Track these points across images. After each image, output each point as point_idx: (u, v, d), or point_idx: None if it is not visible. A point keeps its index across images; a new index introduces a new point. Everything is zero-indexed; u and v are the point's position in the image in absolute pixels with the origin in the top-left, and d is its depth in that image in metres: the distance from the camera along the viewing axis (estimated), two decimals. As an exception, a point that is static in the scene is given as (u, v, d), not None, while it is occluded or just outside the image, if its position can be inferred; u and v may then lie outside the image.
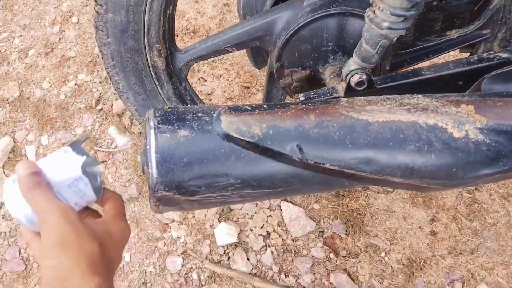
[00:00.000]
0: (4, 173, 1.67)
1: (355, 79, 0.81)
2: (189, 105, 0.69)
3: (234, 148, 0.62)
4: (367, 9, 0.75)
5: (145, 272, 1.45)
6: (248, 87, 1.80)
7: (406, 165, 0.64)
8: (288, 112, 0.64)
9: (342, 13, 0.89)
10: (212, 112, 0.65)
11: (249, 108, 0.65)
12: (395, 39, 0.74)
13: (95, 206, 0.71)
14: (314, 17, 0.90)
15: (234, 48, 1.02)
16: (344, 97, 0.84)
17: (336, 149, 0.62)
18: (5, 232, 1.55)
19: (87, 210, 0.68)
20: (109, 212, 0.64)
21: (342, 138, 0.62)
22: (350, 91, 0.83)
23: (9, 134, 1.75)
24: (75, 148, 0.62)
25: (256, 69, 1.78)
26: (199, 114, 0.64)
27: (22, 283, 1.46)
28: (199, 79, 1.84)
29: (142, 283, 1.43)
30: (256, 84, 1.81)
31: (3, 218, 1.57)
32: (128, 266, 1.47)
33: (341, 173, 0.63)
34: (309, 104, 0.66)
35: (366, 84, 0.82)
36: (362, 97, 0.69)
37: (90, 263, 0.53)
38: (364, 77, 0.81)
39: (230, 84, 1.82)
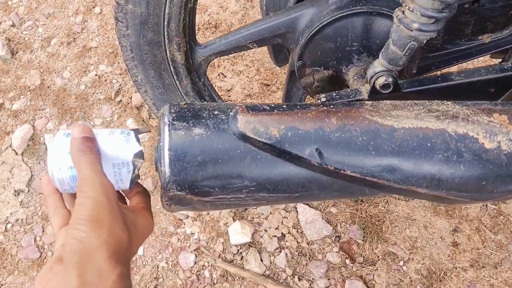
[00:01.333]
0: (23, 160, 1.68)
1: (380, 81, 0.77)
2: (205, 102, 0.67)
3: (250, 149, 0.59)
4: (396, 9, 0.71)
5: (158, 267, 1.44)
6: (268, 85, 1.77)
7: (433, 175, 0.60)
8: (308, 114, 0.61)
9: (369, 12, 0.85)
10: (228, 110, 0.62)
11: (268, 107, 0.62)
12: (424, 42, 0.70)
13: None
14: (340, 15, 0.86)
15: (255, 45, 0.99)
16: (368, 100, 0.80)
17: (359, 155, 0.59)
18: (22, 219, 1.56)
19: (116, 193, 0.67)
20: (138, 204, 0.64)
21: (365, 144, 0.59)
22: (375, 94, 0.80)
23: (29, 122, 1.76)
24: (136, 135, 0.62)
25: (277, 66, 1.75)
26: (215, 112, 0.62)
27: (37, 271, 1.47)
28: (219, 74, 1.82)
29: (154, 278, 1.42)
30: (276, 82, 1.78)
31: (20, 205, 1.58)
32: (141, 260, 1.46)
33: (362, 180, 0.60)
34: (331, 106, 0.63)
35: (391, 87, 0.78)
36: (388, 101, 0.65)
37: (116, 250, 0.51)
38: (390, 79, 0.77)
39: (250, 81, 1.79)
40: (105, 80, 1.85)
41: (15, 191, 1.61)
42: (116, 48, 1.94)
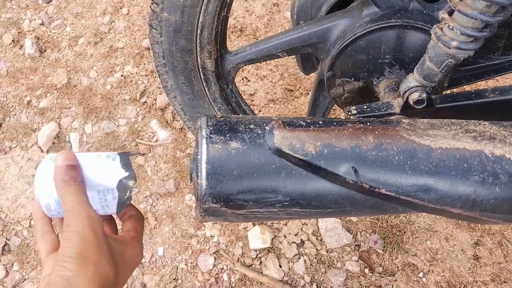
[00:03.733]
0: (48, 158, 1.71)
1: (414, 97, 0.77)
2: (240, 115, 0.67)
3: (285, 164, 0.60)
4: (435, 25, 0.70)
5: (177, 268, 1.46)
6: (292, 90, 1.77)
7: (468, 196, 0.60)
8: (345, 131, 0.61)
9: (404, 26, 0.84)
10: (264, 125, 0.62)
11: (304, 123, 0.62)
12: (462, 59, 0.70)
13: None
14: (373, 28, 0.86)
15: (285, 54, 0.99)
16: (400, 115, 0.80)
17: (394, 174, 0.59)
18: (45, 216, 1.59)
19: (104, 216, 0.66)
20: (129, 233, 0.63)
21: (402, 163, 0.59)
22: (407, 109, 0.79)
23: (55, 120, 1.79)
24: (123, 159, 0.61)
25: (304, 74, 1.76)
26: (251, 126, 0.62)
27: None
28: (242, 78, 1.83)
29: (173, 279, 1.44)
30: (300, 87, 1.77)
31: None
32: (161, 261, 1.48)
33: (397, 199, 0.60)
34: (368, 123, 0.63)
35: (425, 103, 0.77)
36: (425, 119, 0.65)
37: (102, 287, 0.52)
38: (424, 95, 0.77)
39: (273, 86, 1.79)
40: (131, 81, 1.87)
41: (40, 187, 1.64)
42: (142, 49, 1.96)
